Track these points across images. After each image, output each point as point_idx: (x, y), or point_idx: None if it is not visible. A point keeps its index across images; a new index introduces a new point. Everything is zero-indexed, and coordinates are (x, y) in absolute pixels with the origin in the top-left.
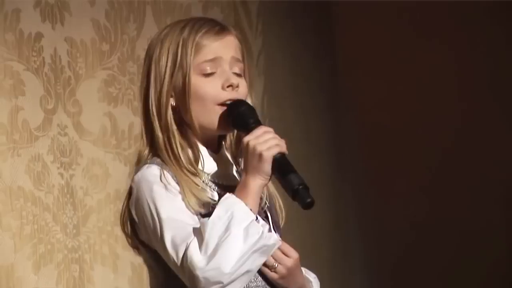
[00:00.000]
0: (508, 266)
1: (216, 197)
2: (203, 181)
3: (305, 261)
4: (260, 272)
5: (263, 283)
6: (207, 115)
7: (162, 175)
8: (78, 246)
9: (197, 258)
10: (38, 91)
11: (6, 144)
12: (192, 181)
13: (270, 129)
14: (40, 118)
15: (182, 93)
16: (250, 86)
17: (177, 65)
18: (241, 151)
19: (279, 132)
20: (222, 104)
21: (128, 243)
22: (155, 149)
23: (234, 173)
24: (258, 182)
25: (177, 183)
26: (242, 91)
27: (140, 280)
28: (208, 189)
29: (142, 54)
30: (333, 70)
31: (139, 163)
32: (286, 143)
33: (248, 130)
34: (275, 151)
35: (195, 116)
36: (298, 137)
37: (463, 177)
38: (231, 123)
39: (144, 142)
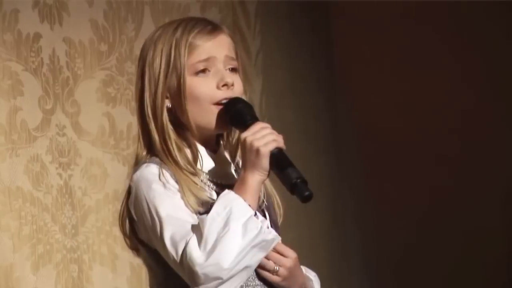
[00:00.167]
0: (508, 266)
1: (214, 196)
2: (201, 180)
3: (303, 261)
4: (258, 273)
5: (262, 281)
6: (204, 115)
7: (161, 173)
8: (77, 246)
9: (196, 254)
10: (37, 92)
11: (4, 144)
12: (191, 180)
13: (267, 125)
14: (38, 119)
15: (177, 94)
16: (246, 82)
17: (171, 66)
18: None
19: (278, 132)
20: (218, 104)
21: (127, 244)
22: (153, 151)
23: (233, 172)
24: (257, 178)
25: (176, 182)
26: (237, 89)
27: (139, 280)
28: (207, 188)
29: None
30: (331, 70)
31: (137, 165)
32: (284, 140)
33: (246, 127)
34: (272, 146)
35: (192, 117)
36: (297, 136)
37: (463, 177)
38: (229, 121)
39: (141, 145)
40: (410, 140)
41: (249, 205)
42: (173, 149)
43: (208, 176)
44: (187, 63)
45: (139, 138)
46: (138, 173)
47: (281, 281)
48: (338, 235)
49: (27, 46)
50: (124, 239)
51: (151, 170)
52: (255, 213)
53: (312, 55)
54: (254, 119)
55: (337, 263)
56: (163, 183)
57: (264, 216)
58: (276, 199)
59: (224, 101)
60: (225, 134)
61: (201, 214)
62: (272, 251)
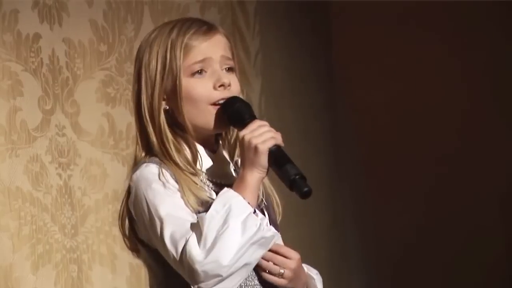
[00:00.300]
0: (507, 266)
1: (214, 196)
2: (201, 180)
3: (303, 260)
4: (258, 272)
5: (261, 281)
6: (202, 115)
7: (161, 173)
8: (76, 246)
9: (196, 251)
10: (36, 92)
11: (4, 144)
12: (191, 180)
13: (265, 123)
14: (38, 119)
15: (174, 96)
16: (245, 82)
17: (167, 68)
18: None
19: (277, 131)
20: (215, 104)
21: (126, 245)
22: (152, 152)
23: (232, 171)
24: (256, 176)
25: (176, 181)
26: (234, 89)
27: (138, 280)
28: (206, 188)
29: None
30: (331, 70)
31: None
32: (283, 140)
33: (244, 125)
34: (270, 143)
35: (190, 118)
36: (296, 137)
37: (462, 177)
38: (227, 120)
39: (139, 147)
40: (409, 140)
41: (248, 203)
42: (172, 151)
43: (207, 176)
44: (183, 65)
45: (137, 141)
46: (137, 172)
47: (287, 284)
48: (337, 235)
49: (26, 47)
50: (124, 240)
51: (150, 170)
52: (254, 211)
53: (311, 55)
54: (252, 117)
55: (336, 263)
56: (163, 183)
57: (264, 215)
58: (275, 198)
59: (221, 101)
60: (223, 133)
61: (200, 213)
62: (276, 254)
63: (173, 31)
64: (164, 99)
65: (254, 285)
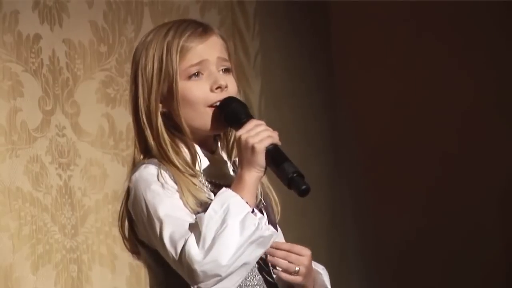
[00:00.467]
0: (506, 265)
1: (213, 197)
2: (200, 181)
3: None
4: (258, 271)
5: (261, 281)
6: (199, 117)
7: (159, 174)
8: (76, 246)
9: (195, 252)
10: (37, 92)
11: (4, 145)
12: (190, 181)
13: (262, 122)
14: (38, 119)
15: (171, 99)
16: (245, 83)
17: (163, 71)
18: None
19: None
20: (212, 106)
21: (126, 247)
22: (150, 155)
23: (231, 171)
24: (254, 175)
25: (175, 182)
26: (231, 90)
27: (138, 280)
28: (205, 189)
29: None
30: (330, 70)
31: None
32: (280, 139)
33: (241, 125)
34: (267, 142)
35: (187, 120)
36: (296, 137)
37: (461, 176)
38: (224, 120)
39: (138, 150)
40: (408, 140)
41: (247, 202)
42: (170, 153)
43: (206, 177)
44: (180, 68)
45: (135, 144)
46: (136, 174)
47: (302, 281)
48: (337, 235)
49: (27, 47)
50: (124, 242)
51: (149, 171)
52: (253, 210)
53: (311, 56)
54: (248, 117)
55: (336, 263)
56: (162, 184)
57: (262, 214)
58: (274, 196)
59: (218, 103)
60: (222, 133)
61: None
62: (290, 252)
63: (168, 34)
64: (161, 102)
65: (254, 285)
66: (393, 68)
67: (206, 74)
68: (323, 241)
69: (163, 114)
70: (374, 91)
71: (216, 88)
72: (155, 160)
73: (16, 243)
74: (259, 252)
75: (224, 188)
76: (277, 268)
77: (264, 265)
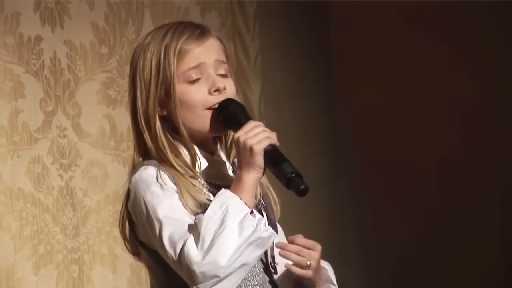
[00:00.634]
0: (505, 265)
1: (212, 198)
2: (199, 182)
3: None
4: (258, 271)
5: (260, 281)
6: (198, 120)
7: (159, 175)
8: (78, 247)
9: (194, 253)
10: (38, 94)
11: (6, 146)
12: (190, 182)
13: (260, 123)
14: (39, 120)
15: (169, 102)
16: (245, 84)
17: (161, 75)
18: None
19: (277, 133)
20: (211, 109)
21: (127, 249)
22: (150, 157)
23: (230, 172)
24: (253, 176)
25: (175, 183)
26: (229, 92)
27: (139, 280)
28: (205, 190)
29: None
30: (330, 71)
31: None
32: (280, 139)
33: (239, 127)
34: (265, 143)
35: (186, 123)
36: (295, 138)
37: (461, 176)
38: (222, 122)
39: (137, 153)
40: (408, 141)
41: (245, 203)
42: (169, 156)
43: (205, 178)
44: (178, 71)
45: (135, 147)
46: (136, 175)
47: (312, 274)
48: (336, 235)
49: (28, 49)
50: (125, 244)
51: (149, 172)
52: (252, 211)
53: (310, 57)
54: (247, 118)
55: (335, 263)
56: (161, 185)
57: (262, 215)
58: (273, 196)
59: (217, 106)
60: (221, 136)
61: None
62: (302, 246)
63: (166, 36)
64: (159, 105)
65: (254, 285)
66: (393, 69)
67: (204, 77)
68: (322, 241)
69: (161, 117)
70: (373, 92)
71: (215, 91)
72: (155, 162)
73: (18, 243)
74: (257, 253)
75: (223, 189)
76: (288, 262)
77: (265, 265)
